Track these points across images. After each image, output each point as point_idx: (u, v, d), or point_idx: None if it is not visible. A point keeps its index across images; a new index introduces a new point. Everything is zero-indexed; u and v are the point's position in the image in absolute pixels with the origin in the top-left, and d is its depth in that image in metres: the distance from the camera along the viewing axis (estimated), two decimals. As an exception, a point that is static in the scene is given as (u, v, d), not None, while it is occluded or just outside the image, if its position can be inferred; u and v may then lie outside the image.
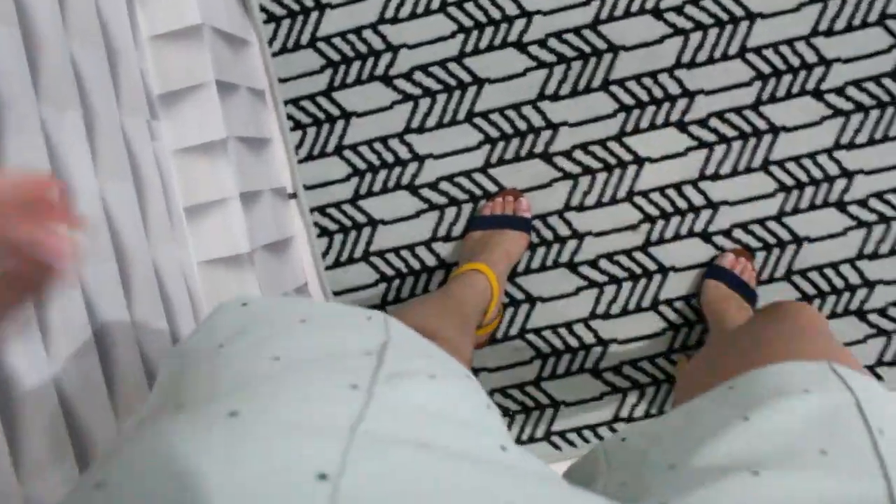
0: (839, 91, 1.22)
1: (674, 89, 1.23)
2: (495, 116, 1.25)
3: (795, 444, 0.43)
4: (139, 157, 1.01)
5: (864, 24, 1.21)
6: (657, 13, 1.22)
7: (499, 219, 1.23)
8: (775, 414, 0.45)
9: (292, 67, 1.26)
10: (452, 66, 1.24)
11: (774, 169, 1.23)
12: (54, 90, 0.81)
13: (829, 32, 1.21)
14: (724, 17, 1.22)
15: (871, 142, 1.22)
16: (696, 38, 1.22)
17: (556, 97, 1.24)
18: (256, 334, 0.42)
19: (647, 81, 1.23)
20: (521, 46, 1.24)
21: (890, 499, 0.38)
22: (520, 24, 1.23)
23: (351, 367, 0.38)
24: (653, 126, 1.24)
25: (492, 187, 1.26)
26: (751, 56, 1.22)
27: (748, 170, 1.24)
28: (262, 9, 1.25)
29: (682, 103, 1.23)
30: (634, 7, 1.22)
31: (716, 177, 1.24)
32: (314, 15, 1.25)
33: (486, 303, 1.15)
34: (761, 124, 1.23)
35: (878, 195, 1.23)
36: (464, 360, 0.84)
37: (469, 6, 1.23)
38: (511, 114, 1.24)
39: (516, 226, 1.23)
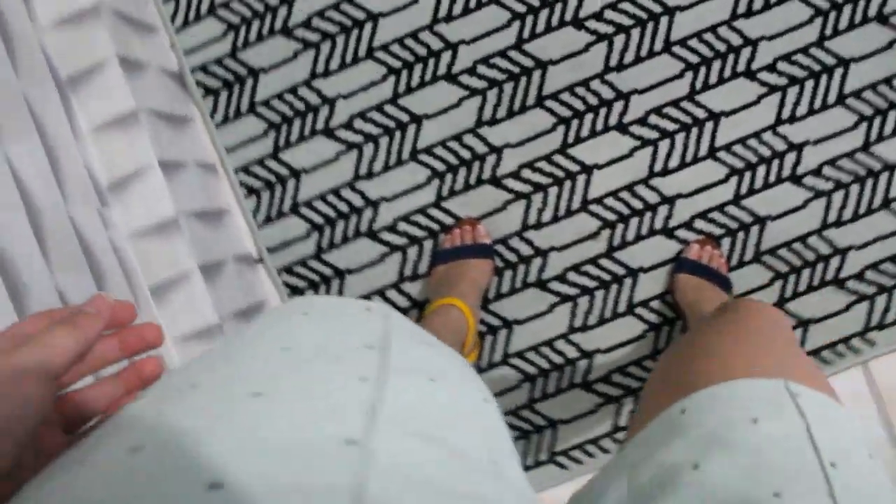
0: (770, 68, 1.23)
1: (607, 94, 1.24)
2: (439, 150, 1.26)
3: (748, 493, 0.41)
4: (93, 246, 1.03)
5: (781, 0, 1.22)
6: (577, 23, 1.24)
7: (460, 249, 1.24)
8: (725, 459, 0.44)
9: (237, 135, 1.29)
10: (389, 108, 1.26)
11: (722, 154, 1.24)
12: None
13: (749, 13, 1.22)
14: (644, 15, 1.23)
15: (812, 111, 1.22)
16: (619, 40, 1.24)
17: (494, 121, 1.25)
18: (263, 323, 0.42)
19: (581, 91, 1.24)
20: (451, 78, 1.26)
21: None
22: (446, 56, 1.25)
23: (357, 361, 0.37)
24: (594, 133, 1.24)
25: (448, 220, 1.27)
26: (677, 49, 1.23)
27: (696, 160, 1.24)
28: (199, 83, 1.28)
29: (618, 106, 1.24)
30: (554, 21, 1.24)
31: (665, 172, 1.24)
32: (249, 81, 1.28)
33: (463, 335, 1.14)
34: (700, 113, 1.23)
35: (831, 162, 1.23)
36: None
37: (395, 48, 1.26)
38: (453, 145, 1.26)
39: (479, 253, 1.23)
